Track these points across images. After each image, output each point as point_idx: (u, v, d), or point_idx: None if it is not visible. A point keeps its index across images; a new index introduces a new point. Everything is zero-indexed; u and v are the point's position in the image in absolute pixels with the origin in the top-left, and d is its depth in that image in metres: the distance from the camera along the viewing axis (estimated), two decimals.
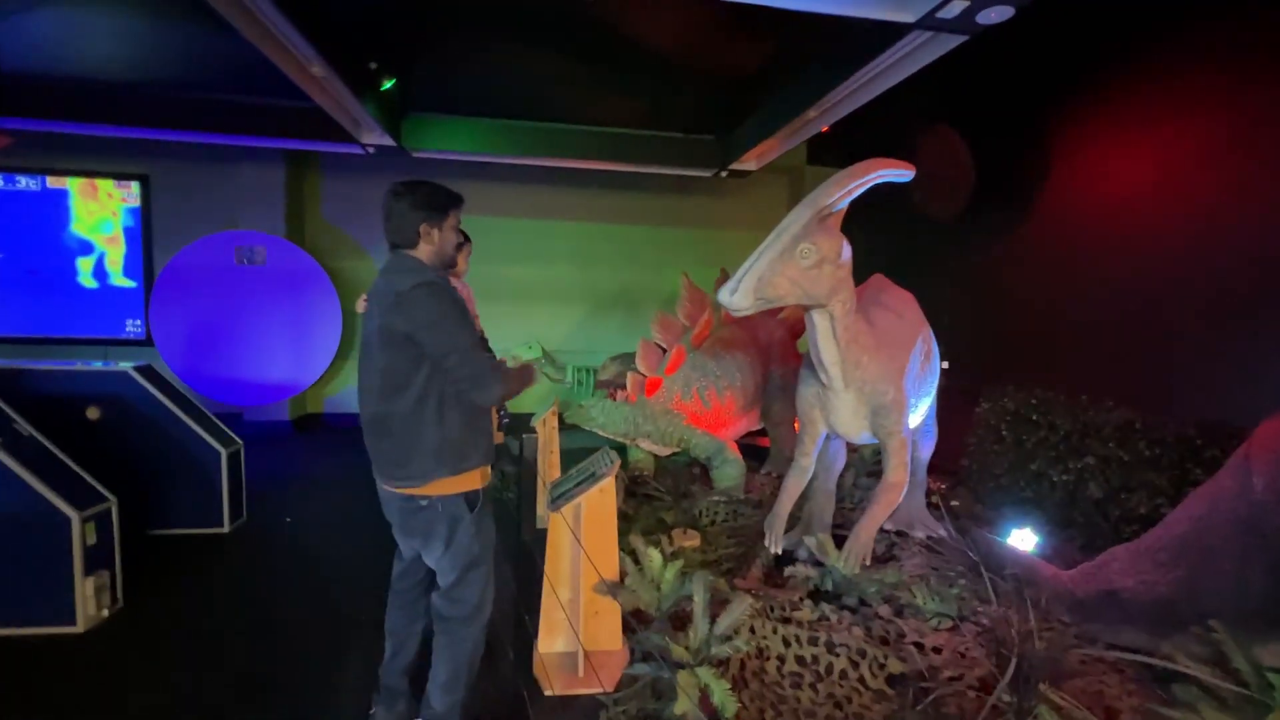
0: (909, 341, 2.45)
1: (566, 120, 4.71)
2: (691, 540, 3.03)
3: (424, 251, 1.66)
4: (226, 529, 3.22)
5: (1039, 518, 3.47)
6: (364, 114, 3.73)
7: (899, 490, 2.39)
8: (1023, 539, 3.09)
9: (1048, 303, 3.83)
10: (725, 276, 4.44)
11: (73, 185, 5.50)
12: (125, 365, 3.09)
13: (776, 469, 4.13)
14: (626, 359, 4.42)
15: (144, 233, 5.56)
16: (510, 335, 5.75)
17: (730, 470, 3.50)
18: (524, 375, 1.75)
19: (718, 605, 2.09)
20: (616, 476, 3.63)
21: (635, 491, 3.74)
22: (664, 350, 3.73)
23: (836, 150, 5.84)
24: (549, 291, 5.85)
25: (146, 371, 3.15)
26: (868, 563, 2.35)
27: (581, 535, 2.04)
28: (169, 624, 2.42)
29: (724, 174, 4.84)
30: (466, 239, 2.45)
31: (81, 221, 5.53)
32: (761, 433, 4.24)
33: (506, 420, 2.29)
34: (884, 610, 2.31)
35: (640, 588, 2.09)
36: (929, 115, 4.32)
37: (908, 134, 4.35)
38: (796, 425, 4.28)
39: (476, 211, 5.81)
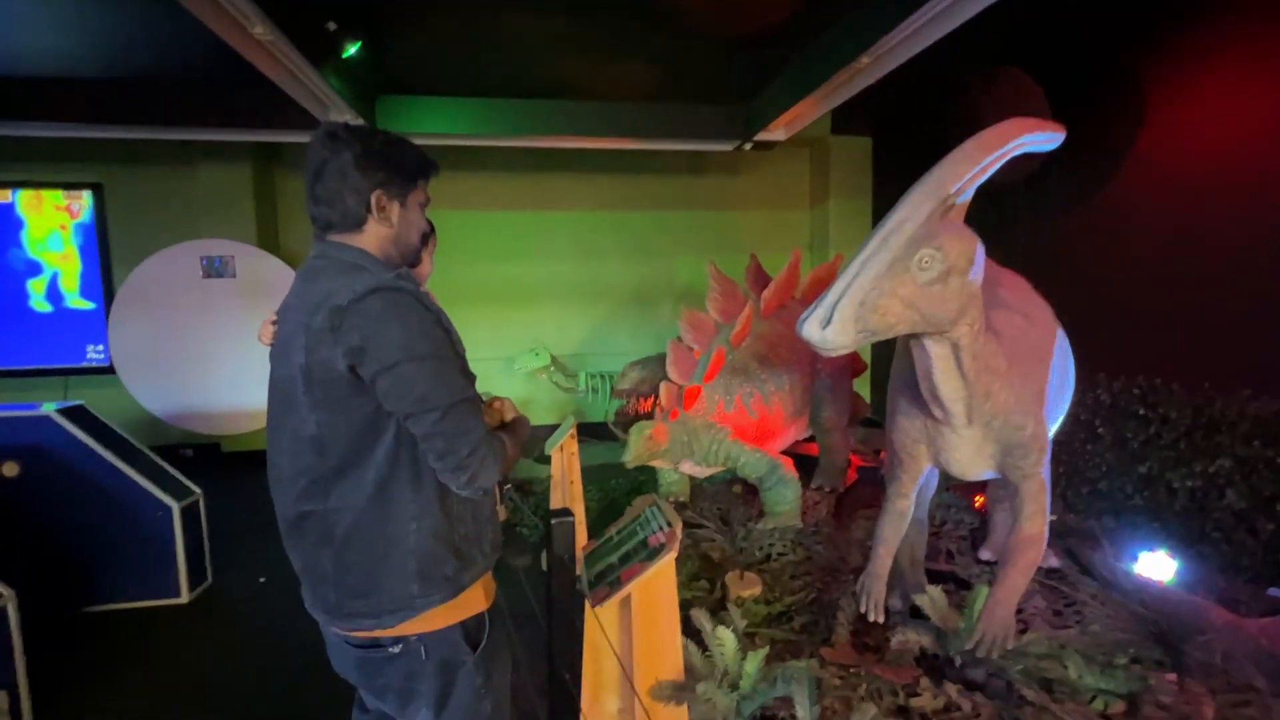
0: (1045, 353, 1.85)
1: (567, 95, 4.12)
2: (752, 588, 2.47)
3: (373, 237, 1.05)
4: (185, 599, 2.67)
5: (1153, 531, 2.91)
6: (328, 90, 3.15)
7: (1039, 546, 1.81)
8: (1156, 566, 2.53)
9: (1149, 273, 3.24)
10: (756, 264, 3.88)
11: (20, 200, 4.92)
12: (49, 408, 2.53)
13: (829, 482, 3.57)
14: (649, 364, 3.86)
15: (100, 247, 4.98)
16: (514, 341, 5.18)
17: (786, 493, 2.94)
18: (521, 432, 1.19)
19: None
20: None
21: None
22: (696, 353, 3.15)
23: (864, 114, 5.24)
24: (554, 290, 5.27)
25: (76, 414, 2.59)
26: (1009, 646, 1.78)
27: (634, 627, 1.48)
28: None
29: (747, 146, 4.25)
30: (431, 229, 1.81)
31: (30, 239, 4.95)
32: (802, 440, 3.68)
33: (511, 491, 1.63)
34: (1030, 692, 1.75)
35: (714, 693, 1.52)
36: (984, 57, 3.71)
37: (959, 82, 3.74)
38: (843, 433, 3.74)
39: (469, 205, 5.23)
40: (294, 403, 1.00)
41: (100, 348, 5.02)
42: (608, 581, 1.41)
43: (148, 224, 4.94)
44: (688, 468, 3.05)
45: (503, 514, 1.43)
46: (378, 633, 1.02)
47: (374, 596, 1.00)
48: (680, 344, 3.11)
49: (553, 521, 1.07)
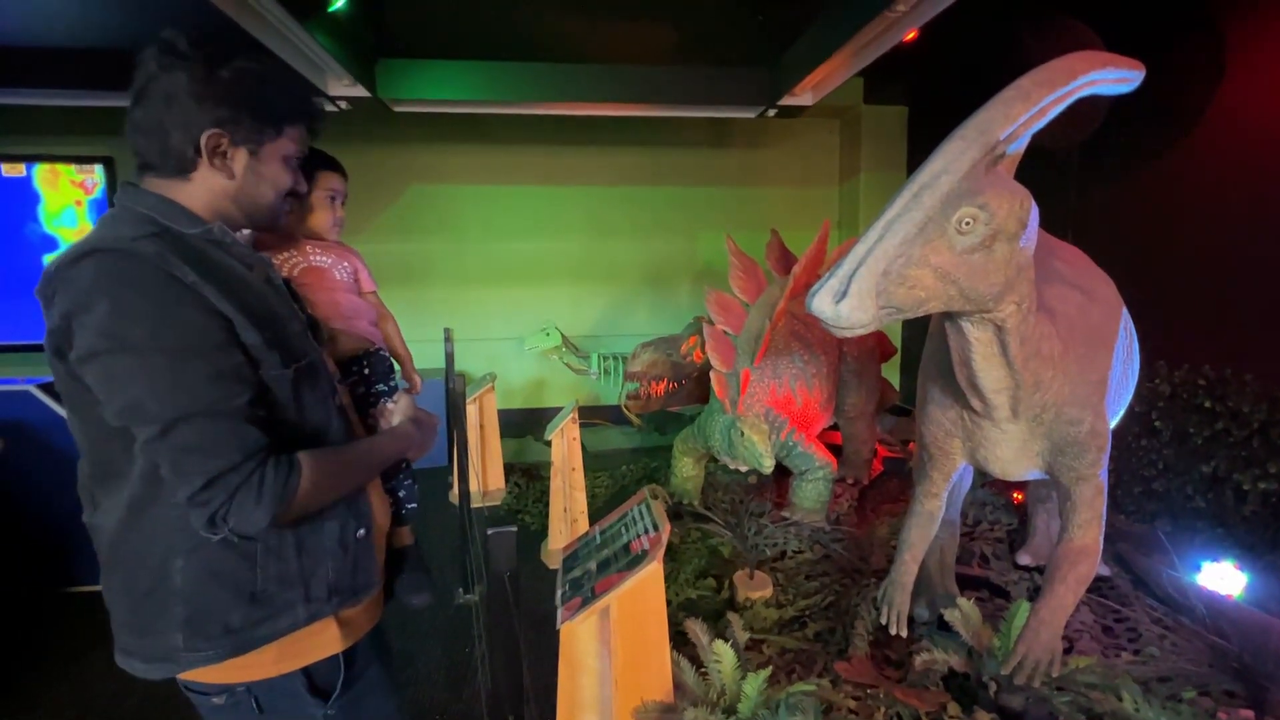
0: (1108, 336, 1.56)
1: (582, 59, 3.89)
2: (762, 590, 2.27)
3: (203, 190, 0.83)
4: None
5: (1216, 539, 2.61)
6: (321, 52, 2.97)
7: (1093, 559, 1.56)
8: (1222, 578, 2.24)
9: (1221, 249, 2.89)
10: (778, 240, 3.60)
11: (36, 174, 4.91)
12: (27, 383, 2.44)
13: (853, 474, 3.33)
14: (661, 345, 3.64)
15: None
16: (524, 321, 5.01)
17: (821, 490, 2.73)
18: (386, 448, 0.95)
19: None
20: (659, 498, 2.86)
21: (681, 513, 2.99)
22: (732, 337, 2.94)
23: (900, 81, 4.88)
24: (565, 269, 5.07)
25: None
26: (1055, 672, 1.54)
27: (614, 641, 1.29)
28: None
29: (771, 112, 3.95)
30: (332, 166, 1.48)
31: (46, 214, 4.95)
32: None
33: (410, 500, 1.22)
34: None
35: (705, 718, 1.33)
36: (1035, 7, 3.34)
37: (1006, 40, 3.38)
38: (869, 422, 3.48)
39: (479, 180, 5.04)
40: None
41: None
42: (582, 592, 1.22)
43: None
44: (731, 461, 2.86)
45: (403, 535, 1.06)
46: (189, 675, 0.84)
47: (146, 638, 0.83)
48: (716, 329, 2.87)
49: (490, 533, 0.87)
